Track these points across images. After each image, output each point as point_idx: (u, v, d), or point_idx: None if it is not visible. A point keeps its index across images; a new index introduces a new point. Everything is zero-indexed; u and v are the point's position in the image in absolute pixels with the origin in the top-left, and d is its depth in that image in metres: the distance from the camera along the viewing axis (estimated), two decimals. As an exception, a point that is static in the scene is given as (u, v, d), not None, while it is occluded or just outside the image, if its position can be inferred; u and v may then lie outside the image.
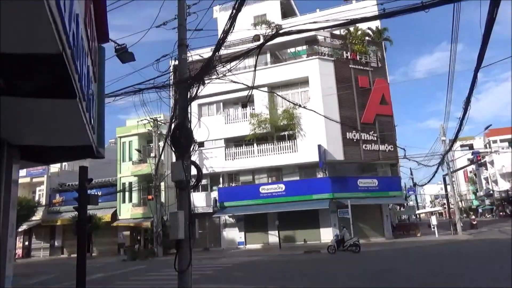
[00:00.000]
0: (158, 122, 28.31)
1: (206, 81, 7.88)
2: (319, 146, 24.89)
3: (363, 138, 26.84)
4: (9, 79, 2.72)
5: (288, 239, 26.47)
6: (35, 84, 2.87)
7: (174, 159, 8.14)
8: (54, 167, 34.74)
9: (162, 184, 27.98)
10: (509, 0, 10.27)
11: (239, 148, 28.45)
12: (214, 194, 28.36)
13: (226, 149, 28.56)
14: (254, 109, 28.10)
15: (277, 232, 25.63)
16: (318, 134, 25.62)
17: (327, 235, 25.03)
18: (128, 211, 31.83)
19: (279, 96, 21.90)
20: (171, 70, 9.73)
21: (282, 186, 26.74)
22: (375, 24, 32.29)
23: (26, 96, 2.93)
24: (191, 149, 7.41)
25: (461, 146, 74.08)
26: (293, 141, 27.12)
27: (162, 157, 23.88)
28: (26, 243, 36.26)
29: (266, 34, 14.89)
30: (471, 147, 76.74)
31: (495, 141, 70.32)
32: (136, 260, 24.33)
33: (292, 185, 26.56)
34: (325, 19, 7.75)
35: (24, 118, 3.49)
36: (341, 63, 27.91)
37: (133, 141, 32.44)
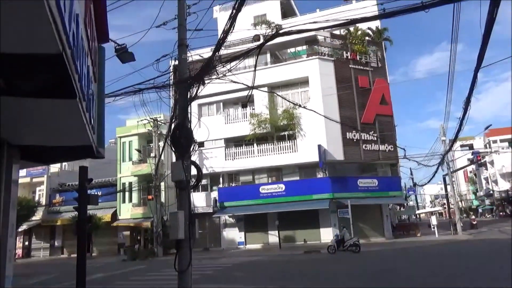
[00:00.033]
0: (158, 122, 28.30)
1: (206, 81, 7.88)
2: (319, 146, 24.89)
3: (363, 138, 26.84)
4: (9, 79, 2.72)
5: (288, 239, 26.47)
6: (35, 84, 2.87)
7: (174, 159, 8.14)
8: (54, 167, 34.74)
9: (162, 184, 27.97)
10: (509, 0, 10.27)
11: (239, 148, 28.44)
12: (214, 194, 28.36)
13: (226, 149, 28.56)
14: (254, 109, 28.10)
15: (277, 232, 25.64)
16: (318, 134, 25.62)
17: (327, 235, 25.03)
18: (128, 211, 31.83)
19: (279, 96, 21.88)
20: (171, 70, 9.74)
21: (282, 186, 26.74)
22: (375, 24, 32.29)
23: (26, 96, 2.93)
24: (191, 149, 7.41)
25: (461, 146, 74.08)
26: (293, 141, 27.11)
27: (162, 157, 23.87)
28: (26, 243, 36.25)
29: (266, 34, 14.89)
30: (471, 147, 76.74)
31: (495, 141, 70.34)
32: (136, 260, 24.32)
33: (292, 185, 26.56)
34: (325, 19, 7.75)
35: (24, 118, 3.49)
36: (341, 63, 27.91)
37: (133, 141, 32.44)
